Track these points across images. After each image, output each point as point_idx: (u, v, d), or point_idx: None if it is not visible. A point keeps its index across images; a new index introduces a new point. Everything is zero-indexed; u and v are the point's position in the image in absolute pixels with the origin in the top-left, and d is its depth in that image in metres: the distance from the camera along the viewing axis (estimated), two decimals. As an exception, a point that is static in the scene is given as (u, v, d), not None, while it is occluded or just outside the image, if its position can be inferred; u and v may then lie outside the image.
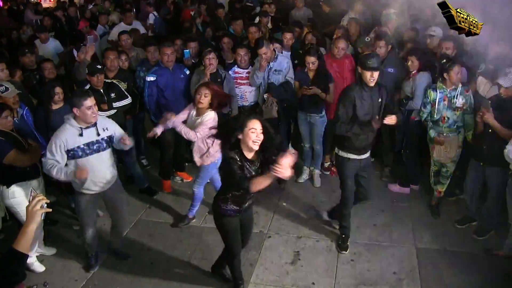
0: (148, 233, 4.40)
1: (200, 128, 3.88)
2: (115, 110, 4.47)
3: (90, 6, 9.41)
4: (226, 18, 7.42)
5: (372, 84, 3.58)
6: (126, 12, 7.08)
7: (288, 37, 5.31)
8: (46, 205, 2.01)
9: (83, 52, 4.99)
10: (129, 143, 3.54)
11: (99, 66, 4.38)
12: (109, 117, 4.38)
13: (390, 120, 3.57)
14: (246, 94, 5.00)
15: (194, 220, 4.51)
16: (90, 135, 3.38)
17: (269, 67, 4.77)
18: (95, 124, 3.40)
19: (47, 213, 2.05)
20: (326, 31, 6.21)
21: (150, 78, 4.74)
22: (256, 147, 2.89)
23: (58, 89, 4.15)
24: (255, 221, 3.85)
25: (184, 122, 4.04)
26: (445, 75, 4.00)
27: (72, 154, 3.33)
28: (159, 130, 4.02)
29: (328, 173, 5.35)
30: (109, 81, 4.59)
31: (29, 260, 3.62)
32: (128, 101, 4.61)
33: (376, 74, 3.55)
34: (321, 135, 4.91)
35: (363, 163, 3.85)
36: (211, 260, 3.95)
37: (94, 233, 3.76)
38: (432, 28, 4.77)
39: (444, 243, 4.06)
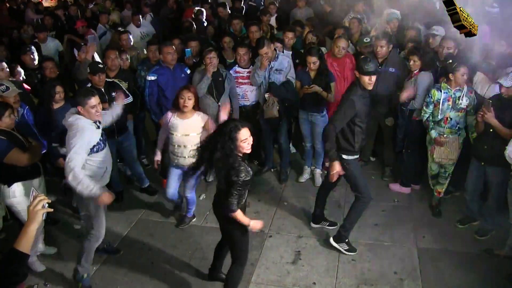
0: (148, 233, 4.40)
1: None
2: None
3: (91, 6, 9.40)
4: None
5: (370, 88, 3.58)
6: (134, 16, 7.05)
7: (289, 36, 5.30)
8: (47, 204, 2.01)
9: (84, 52, 4.99)
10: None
11: (100, 65, 4.38)
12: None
13: None
14: (247, 93, 5.00)
15: (194, 220, 4.51)
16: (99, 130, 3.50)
17: (270, 66, 4.76)
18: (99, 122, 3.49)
19: (48, 212, 2.05)
20: (325, 30, 6.21)
21: (151, 78, 4.74)
22: (247, 152, 2.96)
23: (58, 88, 4.16)
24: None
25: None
26: (450, 75, 3.98)
27: (96, 148, 3.39)
28: (158, 157, 4.24)
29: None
30: (110, 80, 4.58)
31: (29, 259, 3.61)
32: (129, 100, 4.60)
33: (374, 78, 3.54)
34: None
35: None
36: (211, 260, 3.95)
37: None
38: (435, 27, 4.76)
39: (445, 243, 4.05)
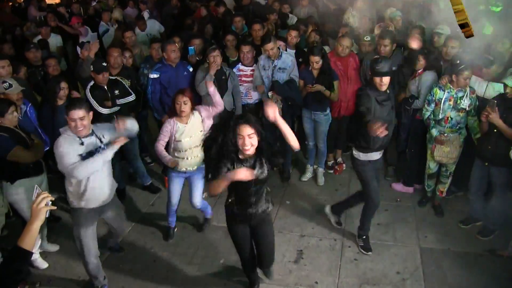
0: (150, 231, 4.40)
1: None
2: (119, 107, 4.46)
3: (94, 3, 9.39)
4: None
5: (382, 89, 3.53)
6: (139, 21, 6.98)
7: (293, 34, 5.27)
8: (50, 202, 2.01)
9: (86, 49, 4.98)
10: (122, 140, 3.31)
11: (104, 64, 4.37)
12: (112, 114, 4.41)
13: None
14: (251, 91, 4.99)
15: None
16: (90, 145, 3.15)
17: (274, 65, 4.75)
18: (93, 133, 3.18)
19: (50, 210, 2.05)
20: (325, 29, 6.18)
21: (154, 75, 4.73)
22: (248, 153, 2.73)
23: (63, 84, 4.15)
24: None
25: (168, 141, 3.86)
26: (453, 76, 3.96)
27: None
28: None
29: (332, 171, 5.34)
30: (113, 78, 4.58)
31: (32, 257, 3.62)
32: (132, 98, 4.60)
33: (386, 79, 3.47)
34: (325, 133, 4.89)
35: (378, 164, 3.82)
36: (213, 258, 3.96)
37: (97, 259, 3.44)
38: (440, 26, 4.74)
39: (448, 243, 4.04)
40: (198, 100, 4.97)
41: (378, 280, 3.66)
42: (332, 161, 5.43)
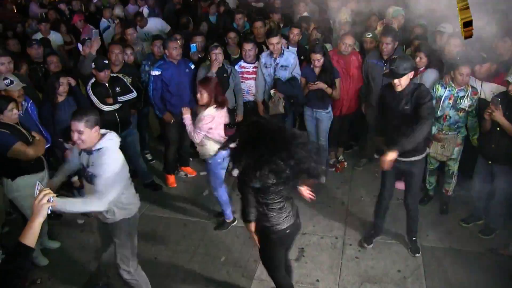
0: (152, 228, 4.40)
1: (198, 125, 3.84)
2: (120, 104, 4.46)
3: (95, 0, 9.37)
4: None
5: (397, 90, 3.45)
6: (137, 17, 6.96)
7: (295, 32, 5.26)
8: (52, 199, 2.01)
9: (88, 46, 4.97)
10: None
11: (106, 62, 4.37)
12: (114, 111, 4.40)
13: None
14: (252, 89, 4.98)
15: (235, 223, 4.36)
16: (83, 159, 2.95)
17: (276, 62, 4.74)
18: (91, 152, 2.86)
19: (51, 207, 2.04)
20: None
21: (155, 72, 4.72)
22: None
23: (62, 79, 4.13)
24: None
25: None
26: (451, 73, 3.97)
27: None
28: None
29: (333, 169, 5.33)
30: (114, 75, 4.57)
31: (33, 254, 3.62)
32: (133, 95, 4.59)
33: (397, 81, 3.38)
34: (327, 131, 4.89)
35: (404, 166, 3.66)
36: (214, 256, 3.95)
37: None
38: (442, 24, 4.72)
39: (449, 241, 4.04)
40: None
41: (379, 278, 3.65)
42: (334, 159, 5.42)
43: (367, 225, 4.26)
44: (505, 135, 3.61)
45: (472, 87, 4.00)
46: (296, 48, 5.24)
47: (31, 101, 4.19)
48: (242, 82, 4.92)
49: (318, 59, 4.51)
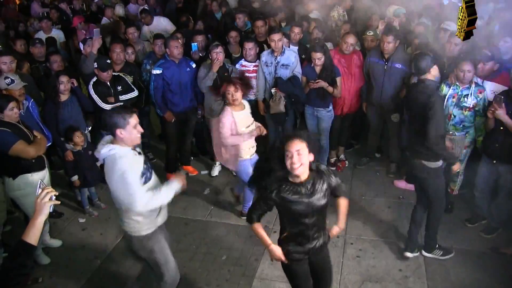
0: (153, 227, 4.40)
1: (240, 130, 3.93)
2: (122, 103, 4.46)
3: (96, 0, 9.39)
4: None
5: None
6: (147, 14, 6.96)
7: (296, 31, 5.24)
8: (54, 197, 2.01)
9: (89, 45, 4.98)
10: None
11: (109, 61, 4.38)
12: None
13: None
14: (254, 87, 4.97)
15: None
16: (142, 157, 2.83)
17: (277, 61, 4.74)
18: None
19: (53, 205, 2.05)
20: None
21: (156, 71, 4.73)
22: (296, 172, 2.39)
23: (62, 77, 4.14)
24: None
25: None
26: (455, 71, 3.95)
27: (143, 180, 2.76)
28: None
29: (334, 168, 5.33)
30: (116, 74, 4.58)
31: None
32: (134, 94, 4.60)
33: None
34: (328, 130, 4.88)
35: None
36: (215, 254, 3.95)
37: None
38: (446, 22, 4.71)
39: (451, 240, 4.02)
40: (201, 97, 4.97)
41: (380, 278, 3.65)
42: (335, 158, 5.42)
43: (369, 224, 4.25)
44: (509, 134, 3.57)
45: (478, 84, 3.96)
46: (297, 47, 5.24)
47: (32, 100, 4.20)
48: (243, 81, 4.92)
49: (318, 58, 4.50)
